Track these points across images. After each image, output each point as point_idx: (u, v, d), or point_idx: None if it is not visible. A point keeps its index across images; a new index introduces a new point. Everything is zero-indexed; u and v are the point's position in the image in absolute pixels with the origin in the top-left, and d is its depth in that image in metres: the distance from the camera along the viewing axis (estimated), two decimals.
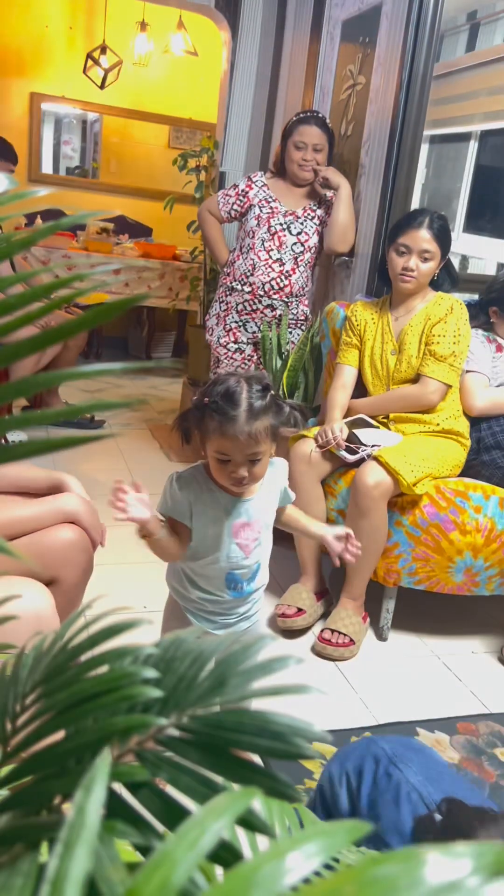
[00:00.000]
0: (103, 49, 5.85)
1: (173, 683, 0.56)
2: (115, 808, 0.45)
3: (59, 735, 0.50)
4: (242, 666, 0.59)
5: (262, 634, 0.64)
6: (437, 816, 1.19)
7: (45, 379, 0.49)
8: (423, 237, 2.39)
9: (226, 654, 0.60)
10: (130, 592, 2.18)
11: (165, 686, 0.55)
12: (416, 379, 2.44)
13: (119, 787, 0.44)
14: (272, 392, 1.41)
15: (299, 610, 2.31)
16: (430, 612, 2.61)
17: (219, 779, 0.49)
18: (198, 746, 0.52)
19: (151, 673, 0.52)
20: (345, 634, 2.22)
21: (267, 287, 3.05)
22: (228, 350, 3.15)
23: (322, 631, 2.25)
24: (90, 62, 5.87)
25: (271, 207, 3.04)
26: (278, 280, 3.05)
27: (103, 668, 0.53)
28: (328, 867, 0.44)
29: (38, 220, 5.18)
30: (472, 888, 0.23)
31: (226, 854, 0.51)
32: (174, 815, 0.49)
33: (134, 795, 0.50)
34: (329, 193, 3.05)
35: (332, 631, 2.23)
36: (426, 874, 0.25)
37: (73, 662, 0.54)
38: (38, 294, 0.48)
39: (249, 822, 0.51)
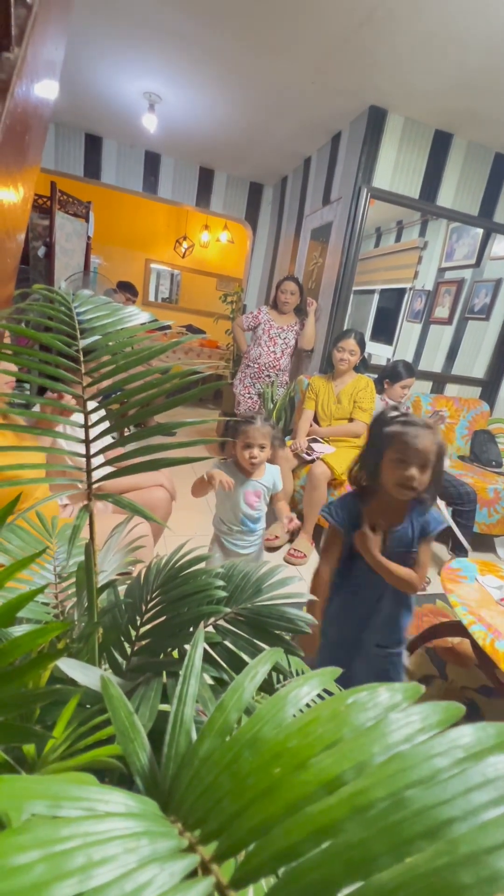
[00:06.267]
0: (184, 237, 5.79)
1: (232, 589, 0.52)
2: (203, 656, 0.42)
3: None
4: (269, 580, 0.56)
5: (278, 564, 0.61)
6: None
7: (173, 424, 0.46)
8: (351, 343, 2.35)
9: (260, 572, 0.57)
10: (195, 526, 2.14)
11: (228, 590, 0.52)
12: (347, 419, 2.40)
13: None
14: (273, 421, 1.45)
15: (277, 537, 2.27)
16: None
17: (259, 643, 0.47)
18: (247, 624, 0.48)
19: (220, 582, 0.48)
20: (302, 552, 2.18)
21: (267, 365, 2.99)
22: (244, 397, 3.09)
23: (290, 550, 2.21)
24: (177, 244, 5.80)
25: (270, 324, 2.98)
26: (273, 362, 2.99)
27: (194, 579, 0.50)
28: (320, 696, 0.41)
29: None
30: (402, 705, 0.22)
31: (267, 686, 0.48)
32: (235, 661, 0.46)
33: (212, 650, 0.47)
34: (303, 317, 3.01)
35: (296, 550, 2.19)
36: (381, 699, 0.23)
37: (181, 574, 0.52)
38: (170, 371, 0.45)
39: (279, 668, 0.49)
